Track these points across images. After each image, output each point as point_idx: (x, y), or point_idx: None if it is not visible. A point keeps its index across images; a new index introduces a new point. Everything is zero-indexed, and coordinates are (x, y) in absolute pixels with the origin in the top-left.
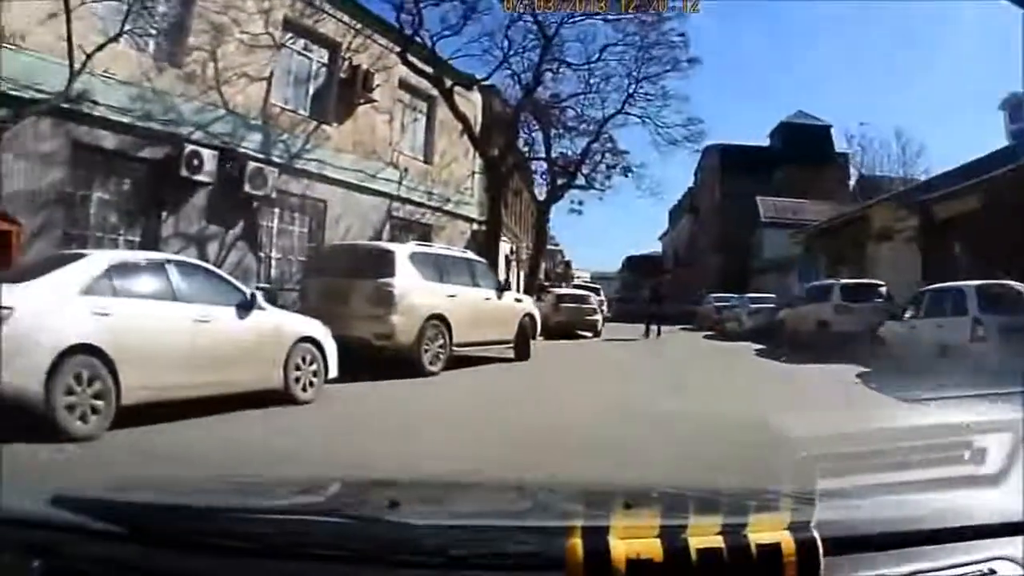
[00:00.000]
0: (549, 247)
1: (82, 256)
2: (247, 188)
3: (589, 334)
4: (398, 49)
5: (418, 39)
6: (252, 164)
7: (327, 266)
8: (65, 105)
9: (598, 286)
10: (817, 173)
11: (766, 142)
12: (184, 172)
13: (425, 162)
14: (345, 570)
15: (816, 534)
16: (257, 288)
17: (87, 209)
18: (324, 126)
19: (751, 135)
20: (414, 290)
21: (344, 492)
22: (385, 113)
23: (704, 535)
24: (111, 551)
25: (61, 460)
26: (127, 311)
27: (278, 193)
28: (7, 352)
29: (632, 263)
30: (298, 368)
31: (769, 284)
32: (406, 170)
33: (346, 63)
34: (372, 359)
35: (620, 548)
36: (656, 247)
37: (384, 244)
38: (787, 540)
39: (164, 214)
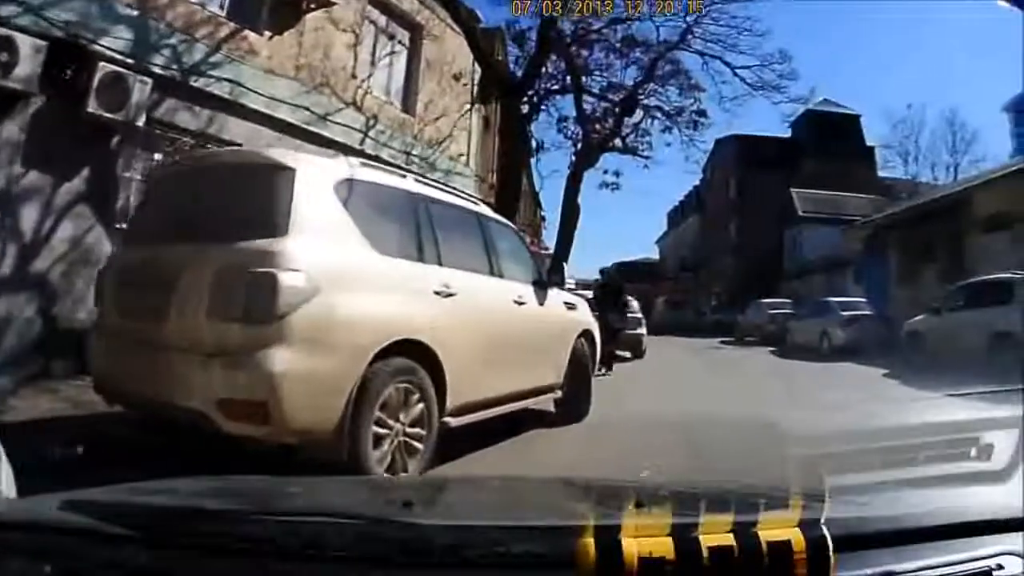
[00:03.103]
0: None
1: None
2: (94, 107)
3: (628, 354)
4: None
5: None
6: (107, 68)
7: (156, 215)
8: None
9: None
10: (846, 167)
11: (787, 133)
12: None
13: (404, 111)
14: (357, 571)
15: (826, 531)
16: None
17: None
18: (248, 33)
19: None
20: (344, 276)
21: (356, 493)
22: (348, 31)
23: (715, 533)
24: (122, 555)
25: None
26: None
27: (155, 125)
28: None
29: (622, 270)
30: None
31: (810, 288)
32: (375, 117)
33: None
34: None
35: (632, 546)
36: (651, 252)
37: (272, 154)
38: (798, 537)
39: None
